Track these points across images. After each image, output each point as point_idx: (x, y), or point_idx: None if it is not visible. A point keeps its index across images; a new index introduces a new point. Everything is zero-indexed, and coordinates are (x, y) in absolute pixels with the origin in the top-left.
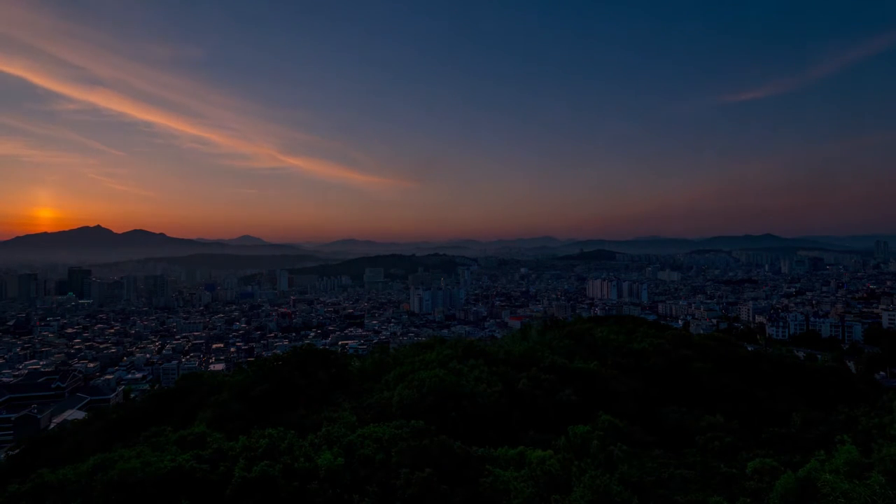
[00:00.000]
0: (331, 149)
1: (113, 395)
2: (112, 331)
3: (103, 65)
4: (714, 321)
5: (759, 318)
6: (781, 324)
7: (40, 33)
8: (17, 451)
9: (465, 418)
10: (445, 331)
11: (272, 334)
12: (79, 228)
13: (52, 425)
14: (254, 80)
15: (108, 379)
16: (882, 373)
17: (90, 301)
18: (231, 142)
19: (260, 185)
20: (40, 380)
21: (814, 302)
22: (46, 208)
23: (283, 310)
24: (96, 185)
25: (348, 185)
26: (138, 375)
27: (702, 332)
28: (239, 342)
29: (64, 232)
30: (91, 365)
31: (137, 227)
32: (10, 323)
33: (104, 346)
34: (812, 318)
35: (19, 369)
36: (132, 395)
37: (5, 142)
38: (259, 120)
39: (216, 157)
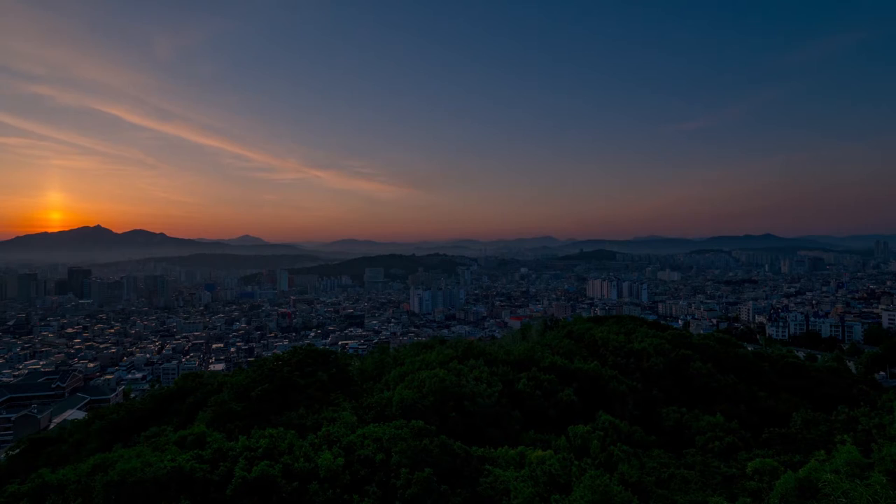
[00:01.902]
0: (344, 162)
1: (113, 395)
2: (112, 331)
3: (178, 106)
4: (714, 321)
5: (759, 318)
6: (781, 324)
7: (137, 86)
8: (17, 451)
9: (465, 418)
10: (445, 331)
11: (272, 334)
12: (79, 228)
13: (52, 425)
14: (295, 114)
15: (108, 379)
16: (882, 373)
17: (90, 301)
18: (263, 157)
19: (281, 193)
20: (40, 380)
21: (814, 302)
22: (56, 210)
23: (283, 310)
24: (141, 192)
25: (358, 192)
26: (138, 375)
27: (702, 332)
28: (239, 342)
29: (64, 232)
30: (91, 365)
31: (137, 227)
32: (10, 323)
33: (104, 346)
34: (812, 318)
35: (19, 369)
36: (132, 395)
37: (81, 159)
38: (288, 141)
39: (249, 170)
